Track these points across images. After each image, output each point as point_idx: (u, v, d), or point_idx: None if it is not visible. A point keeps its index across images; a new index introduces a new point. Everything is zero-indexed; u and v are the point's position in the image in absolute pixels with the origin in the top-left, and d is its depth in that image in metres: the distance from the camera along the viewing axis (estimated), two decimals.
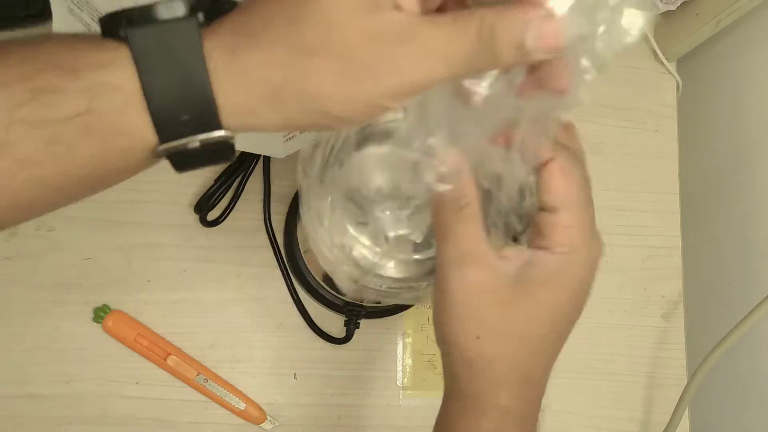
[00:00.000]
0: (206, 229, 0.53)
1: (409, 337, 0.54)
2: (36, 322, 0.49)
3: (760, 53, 0.59)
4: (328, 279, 0.49)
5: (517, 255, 0.30)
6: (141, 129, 0.22)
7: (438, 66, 0.22)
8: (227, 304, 0.52)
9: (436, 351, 0.54)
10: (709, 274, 0.62)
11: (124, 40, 0.22)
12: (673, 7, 0.60)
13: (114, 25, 0.22)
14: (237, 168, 0.52)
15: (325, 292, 0.51)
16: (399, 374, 0.53)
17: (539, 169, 0.30)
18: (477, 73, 0.24)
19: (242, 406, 0.50)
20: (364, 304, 0.50)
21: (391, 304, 0.52)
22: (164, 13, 0.22)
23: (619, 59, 0.64)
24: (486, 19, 0.22)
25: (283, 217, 0.53)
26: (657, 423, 0.55)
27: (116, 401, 0.49)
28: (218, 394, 0.50)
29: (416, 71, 0.22)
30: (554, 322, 0.30)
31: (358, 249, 0.41)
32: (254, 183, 0.54)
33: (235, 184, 0.52)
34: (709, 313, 0.61)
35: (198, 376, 0.49)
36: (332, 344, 0.52)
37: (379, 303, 0.52)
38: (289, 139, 0.52)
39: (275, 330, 0.52)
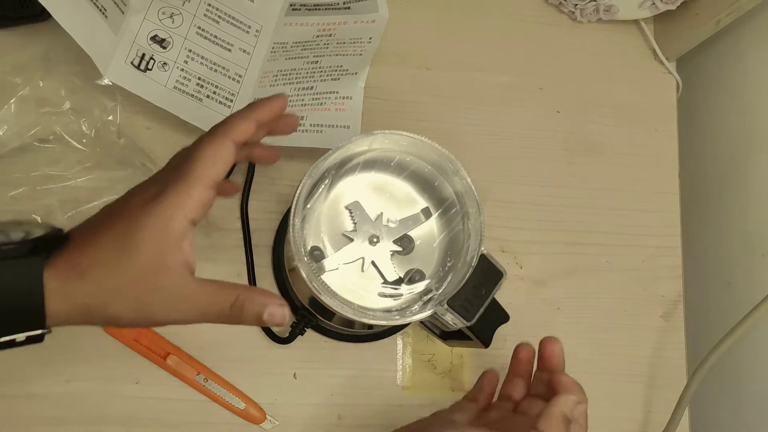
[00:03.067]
0: (206, 229, 0.53)
1: (408, 337, 0.54)
2: None
3: (760, 53, 0.59)
4: (312, 301, 0.49)
5: None
6: None
7: (199, 317, 0.34)
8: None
9: (435, 351, 0.54)
10: (709, 274, 0.62)
11: None
12: (673, 7, 0.60)
13: None
14: None
15: (306, 311, 0.51)
16: (399, 374, 0.53)
17: (561, 394, 0.39)
18: (225, 323, 0.35)
19: (242, 405, 0.50)
20: (317, 315, 0.50)
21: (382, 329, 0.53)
22: (19, 252, 0.29)
23: (619, 59, 0.64)
24: (240, 296, 0.33)
25: (280, 216, 0.54)
26: (657, 423, 0.55)
27: (116, 401, 0.49)
28: (218, 393, 0.50)
29: (184, 318, 0.34)
30: None
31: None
32: (258, 183, 0.54)
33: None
34: (709, 313, 0.61)
35: (198, 376, 0.49)
36: (278, 344, 0.52)
37: (371, 328, 0.52)
38: None
39: (275, 329, 0.52)
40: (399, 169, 0.44)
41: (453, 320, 0.40)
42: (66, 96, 0.51)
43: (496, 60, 0.62)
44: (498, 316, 0.42)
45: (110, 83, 0.51)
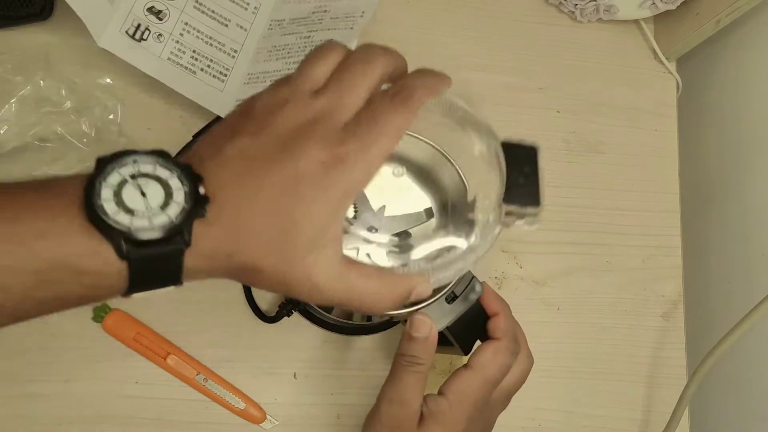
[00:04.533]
0: None
1: None
2: (36, 321, 0.49)
3: (760, 53, 0.59)
4: None
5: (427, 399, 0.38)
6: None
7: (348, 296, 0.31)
8: (227, 304, 0.52)
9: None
10: (709, 274, 0.62)
11: (124, 258, 0.26)
12: (673, 7, 0.60)
13: (113, 237, 0.25)
14: None
15: (308, 306, 0.51)
16: None
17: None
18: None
19: (242, 405, 0.50)
20: (317, 307, 0.50)
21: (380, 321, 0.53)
22: (165, 246, 0.26)
23: (619, 59, 0.64)
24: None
25: None
26: (657, 423, 0.55)
27: (116, 401, 0.49)
28: (218, 393, 0.50)
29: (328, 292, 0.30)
30: None
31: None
32: None
33: None
34: (709, 313, 0.61)
35: (198, 376, 0.49)
36: (265, 322, 0.52)
37: (370, 320, 0.52)
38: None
39: (275, 329, 0.52)
40: (410, 166, 0.44)
41: (520, 211, 0.36)
42: (67, 95, 0.51)
43: (496, 60, 0.62)
44: (481, 326, 0.42)
45: (111, 82, 0.51)
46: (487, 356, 0.38)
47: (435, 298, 0.39)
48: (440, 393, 0.38)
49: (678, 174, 0.62)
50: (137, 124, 0.54)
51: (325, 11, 0.58)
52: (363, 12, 0.57)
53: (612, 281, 0.58)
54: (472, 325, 0.41)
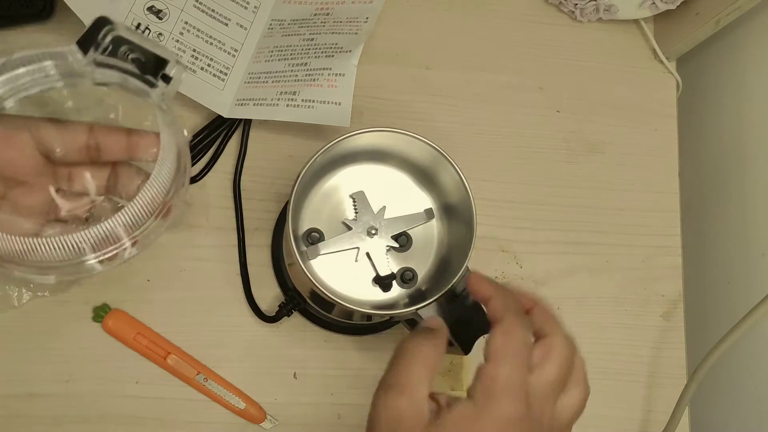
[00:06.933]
0: (206, 229, 0.53)
1: None
2: (36, 321, 0.49)
3: (760, 53, 0.59)
4: (314, 295, 0.49)
5: (443, 397, 0.32)
6: None
7: None
8: (227, 304, 0.52)
9: None
10: (709, 274, 0.62)
11: None
12: (672, 7, 0.60)
13: None
14: (216, 130, 0.54)
15: (308, 306, 0.51)
16: None
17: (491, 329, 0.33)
18: None
19: (242, 405, 0.50)
20: (307, 299, 0.50)
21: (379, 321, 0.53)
22: None
23: (619, 59, 0.64)
24: None
25: (277, 216, 0.54)
26: (657, 423, 0.55)
27: (116, 401, 0.49)
28: (218, 393, 0.50)
29: None
30: None
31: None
32: (261, 185, 0.54)
33: (214, 146, 0.55)
34: (709, 313, 0.61)
35: (198, 375, 0.49)
36: (264, 322, 0.52)
37: (370, 319, 0.52)
38: (240, 104, 0.53)
39: (275, 329, 0.52)
40: (410, 166, 0.45)
41: None
42: (68, 95, 0.51)
43: (496, 60, 0.62)
44: (481, 324, 0.42)
45: None
46: (498, 339, 0.32)
47: (435, 297, 0.39)
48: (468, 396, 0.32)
49: (678, 174, 0.62)
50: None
51: (328, 14, 0.58)
52: (367, 17, 0.57)
53: (612, 281, 0.58)
54: (472, 325, 0.41)
